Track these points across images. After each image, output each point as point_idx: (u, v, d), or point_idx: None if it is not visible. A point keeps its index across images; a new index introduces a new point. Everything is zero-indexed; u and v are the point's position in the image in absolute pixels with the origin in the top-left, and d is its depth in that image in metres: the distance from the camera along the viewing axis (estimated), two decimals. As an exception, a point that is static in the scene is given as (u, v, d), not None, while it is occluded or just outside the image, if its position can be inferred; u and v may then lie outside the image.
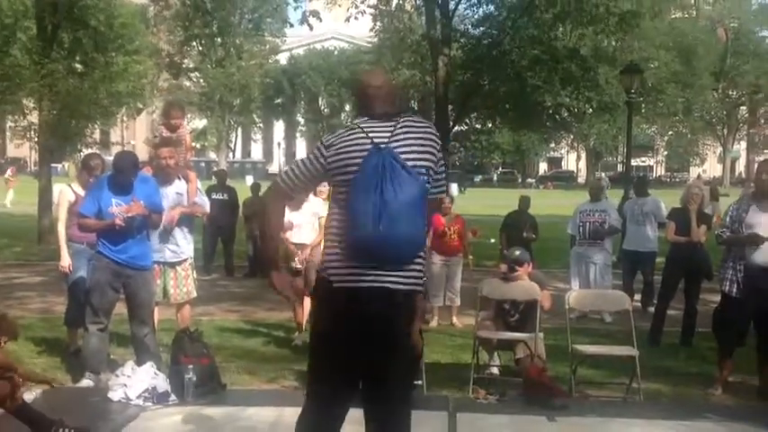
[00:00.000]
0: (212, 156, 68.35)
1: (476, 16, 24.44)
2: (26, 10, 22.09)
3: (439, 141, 3.65)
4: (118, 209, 6.15)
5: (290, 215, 8.27)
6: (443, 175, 3.70)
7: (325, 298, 3.55)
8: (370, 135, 3.54)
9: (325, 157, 3.58)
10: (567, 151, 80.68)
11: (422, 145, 3.56)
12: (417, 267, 3.50)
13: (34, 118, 24.23)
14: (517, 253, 6.99)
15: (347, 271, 3.44)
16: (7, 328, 5.63)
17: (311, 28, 25.63)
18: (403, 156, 3.46)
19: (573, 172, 78.43)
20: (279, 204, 3.78)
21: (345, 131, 3.63)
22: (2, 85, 22.33)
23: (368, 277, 3.42)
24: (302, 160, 3.72)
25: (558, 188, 58.03)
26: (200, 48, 63.22)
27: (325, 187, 8.56)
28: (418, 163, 3.51)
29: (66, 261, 7.15)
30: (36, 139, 22.47)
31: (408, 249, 3.45)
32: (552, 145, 69.23)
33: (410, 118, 3.67)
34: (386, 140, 3.51)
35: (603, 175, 53.54)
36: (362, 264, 3.42)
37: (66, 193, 7.32)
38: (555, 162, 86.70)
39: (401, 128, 3.57)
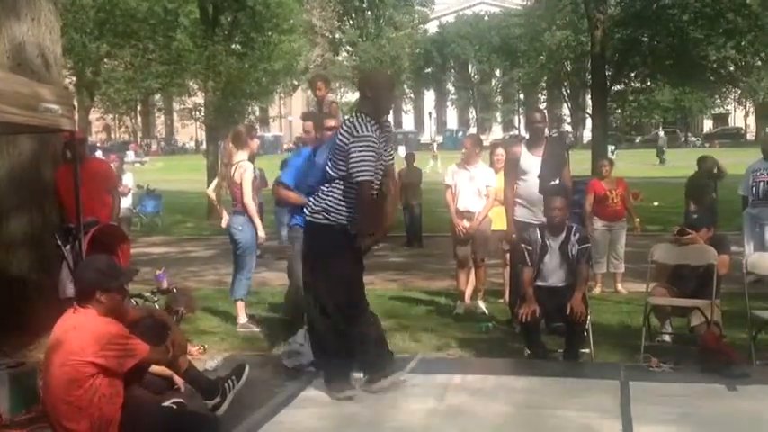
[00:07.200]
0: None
1: (633, -30, 23.30)
2: (187, -6, 23.06)
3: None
4: None
5: (456, 178, 8.21)
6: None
7: None
8: None
9: None
10: (734, 107, 75.89)
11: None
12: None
13: (199, 99, 25.45)
14: (694, 216, 6.68)
15: None
16: (187, 302, 6.12)
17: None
18: None
19: (741, 129, 73.79)
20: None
21: None
22: (169, 69, 23.56)
23: None
24: None
25: (725, 146, 54.84)
26: (352, 22, 64.06)
27: (502, 156, 8.14)
28: None
29: (263, 232, 7.64)
30: (202, 119, 23.60)
31: None
32: (717, 101, 65.13)
33: None
34: None
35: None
36: None
37: (249, 169, 7.57)
38: (721, 119, 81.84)
39: None
